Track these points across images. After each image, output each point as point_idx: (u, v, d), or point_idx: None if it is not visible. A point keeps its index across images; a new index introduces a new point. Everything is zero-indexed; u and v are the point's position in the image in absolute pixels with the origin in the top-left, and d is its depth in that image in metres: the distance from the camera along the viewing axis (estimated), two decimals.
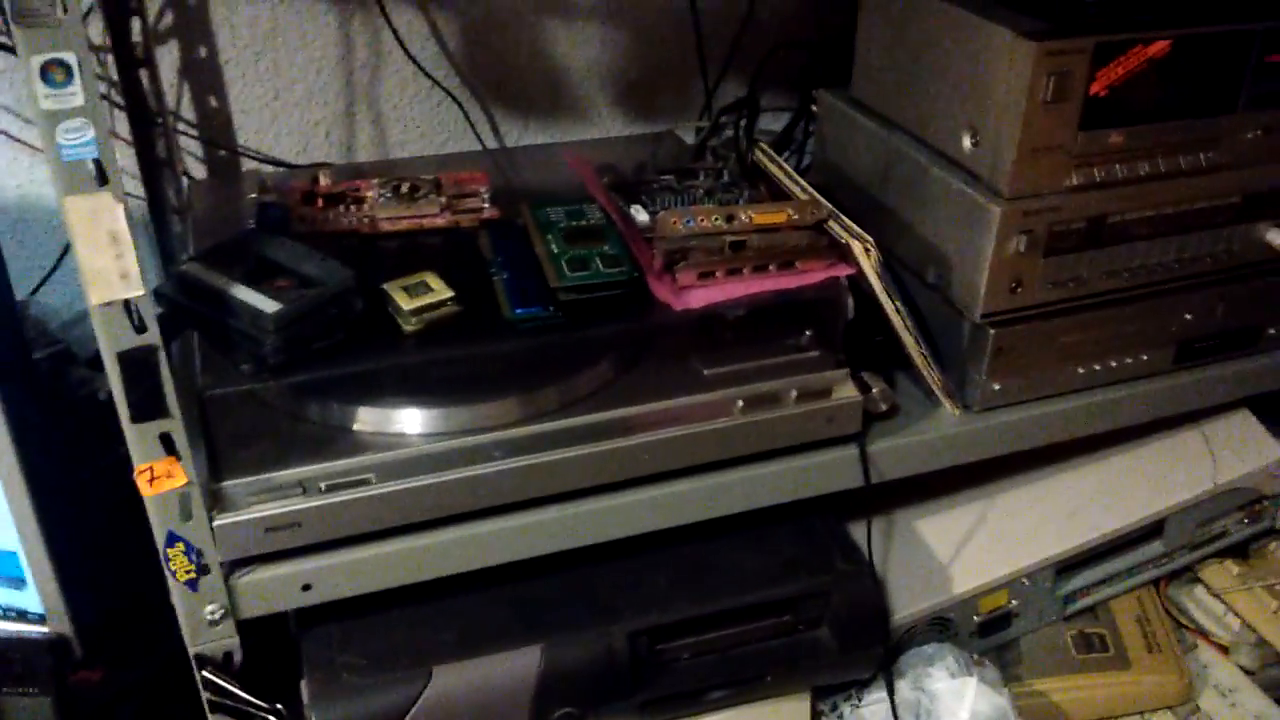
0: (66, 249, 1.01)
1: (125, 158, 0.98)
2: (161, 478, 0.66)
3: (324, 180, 0.89)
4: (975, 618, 0.96)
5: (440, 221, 0.87)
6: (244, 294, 0.71)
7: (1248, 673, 1.02)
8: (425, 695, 0.74)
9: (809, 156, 1.13)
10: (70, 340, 0.95)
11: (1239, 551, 1.08)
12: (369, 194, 0.89)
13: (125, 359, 0.62)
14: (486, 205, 0.89)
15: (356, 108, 1.07)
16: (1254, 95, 0.83)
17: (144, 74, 0.96)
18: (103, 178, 0.58)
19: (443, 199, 0.89)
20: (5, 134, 0.98)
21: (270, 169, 1.04)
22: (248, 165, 1.05)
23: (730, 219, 0.78)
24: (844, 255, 0.82)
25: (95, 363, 0.93)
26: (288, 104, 1.04)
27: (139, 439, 0.64)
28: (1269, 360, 0.97)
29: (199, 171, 1.05)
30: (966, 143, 0.82)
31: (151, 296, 0.63)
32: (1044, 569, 0.97)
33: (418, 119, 1.09)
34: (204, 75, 1.01)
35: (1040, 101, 0.76)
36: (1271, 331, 0.95)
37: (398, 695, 0.74)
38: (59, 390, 0.85)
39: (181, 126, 1.02)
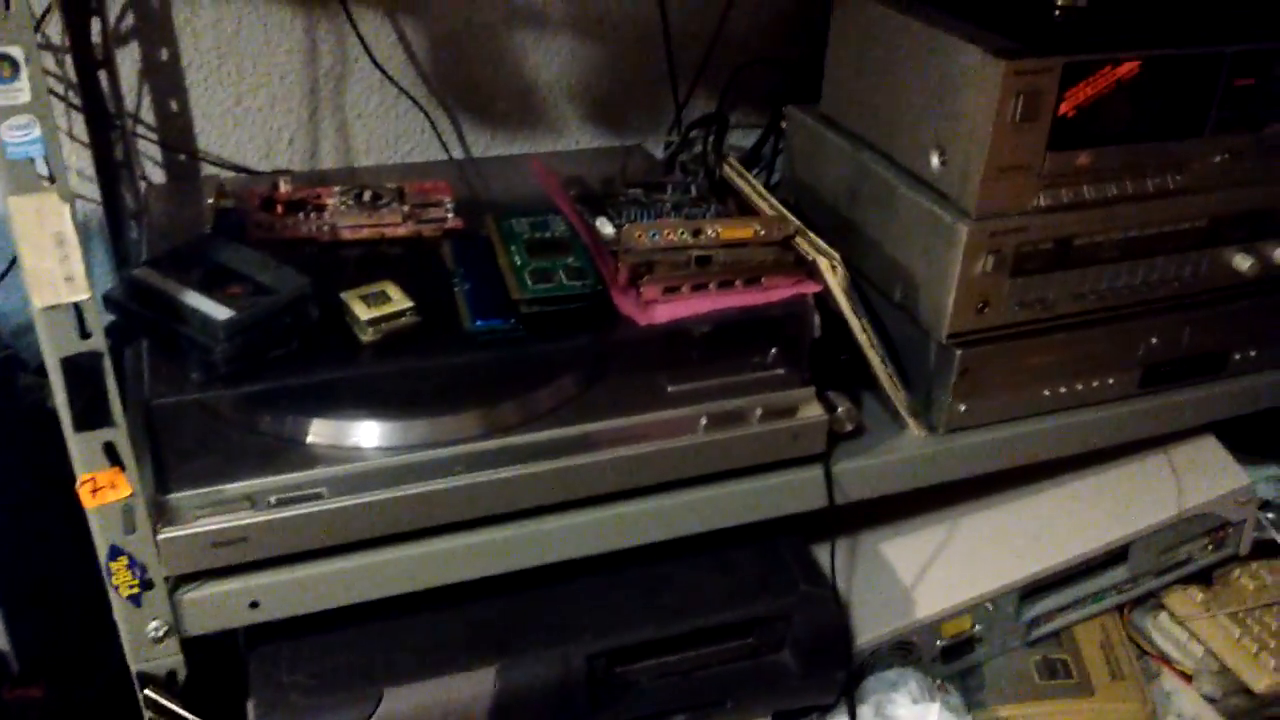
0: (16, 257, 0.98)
1: (82, 160, 0.96)
2: (105, 489, 0.64)
3: (284, 187, 0.87)
4: (938, 642, 0.95)
5: (402, 231, 0.86)
6: (195, 300, 0.69)
7: (1211, 700, 1.02)
8: (376, 717, 0.72)
9: (779, 174, 1.12)
10: (19, 347, 0.93)
11: (1203, 578, 1.08)
12: (330, 201, 0.87)
13: (69, 365, 0.60)
14: (450, 215, 0.87)
15: (321, 115, 1.05)
16: (1222, 119, 0.83)
17: (103, 75, 0.94)
18: (50, 177, 0.57)
19: (405, 208, 0.87)
20: None
21: (231, 175, 1.02)
22: (208, 171, 1.03)
23: (697, 233, 0.77)
24: (811, 272, 0.80)
25: (44, 370, 0.90)
26: (250, 109, 1.02)
27: (82, 448, 0.63)
28: (1235, 386, 0.97)
29: (158, 176, 1.03)
30: (935, 161, 0.81)
31: (100, 302, 0.61)
32: (1008, 594, 0.96)
33: (383, 127, 1.07)
34: (165, 78, 0.99)
35: (1009, 121, 0.76)
36: (1237, 357, 0.95)
37: (347, 717, 0.72)
38: (4, 397, 0.83)
39: (141, 130, 1.00)
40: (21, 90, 0.55)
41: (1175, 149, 0.83)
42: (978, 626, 0.96)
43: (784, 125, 1.04)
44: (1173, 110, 0.82)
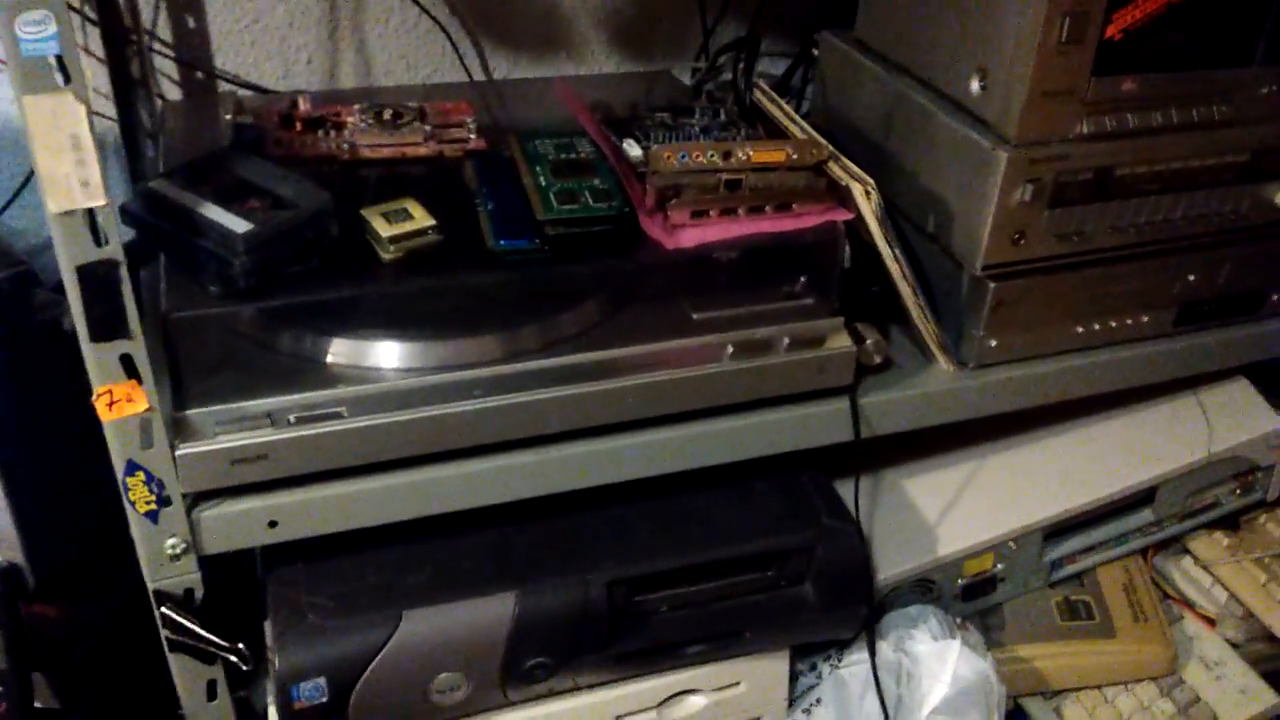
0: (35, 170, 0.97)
1: (99, 77, 0.94)
2: (121, 401, 0.63)
3: (303, 105, 0.85)
4: (959, 581, 0.94)
5: (423, 150, 0.84)
6: (214, 213, 0.67)
7: (1234, 646, 1.01)
8: (394, 639, 0.72)
9: (809, 103, 1.09)
10: (37, 267, 0.91)
11: (1229, 523, 1.07)
12: (349, 120, 0.85)
13: (85, 273, 0.59)
14: (472, 136, 0.85)
15: (340, 35, 1.02)
16: (1272, 48, 0.80)
17: None
18: (66, 76, 0.55)
19: (427, 128, 0.85)
20: None
21: (249, 94, 1.00)
22: (224, 89, 1.01)
23: (726, 156, 0.75)
24: (843, 200, 0.78)
25: (61, 288, 0.89)
26: (268, 28, 1.00)
27: (98, 360, 0.61)
28: (1270, 327, 0.95)
29: (174, 95, 1.01)
30: (974, 86, 0.79)
31: (117, 213, 0.60)
32: (1031, 533, 0.95)
33: (403, 48, 1.05)
34: None
35: (1053, 43, 0.73)
36: (1275, 298, 0.93)
37: (365, 638, 0.71)
38: (19, 312, 0.82)
39: (157, 46, 0.98)
40: None
41: (1222, 78, 0.81)
42: (999, 565, 0.95)
43: (816, 52, 1.01)
44: (1222, 37, 0.79)
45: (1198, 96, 0.80)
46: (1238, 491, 1.04)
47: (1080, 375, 0.89)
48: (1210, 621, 1.02)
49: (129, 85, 0.95)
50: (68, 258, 0.58)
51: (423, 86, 1.06)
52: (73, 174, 0.57)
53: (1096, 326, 0.88)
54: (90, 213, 0.58)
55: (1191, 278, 0.89)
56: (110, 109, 0.95)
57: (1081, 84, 0.76)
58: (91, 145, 0.56)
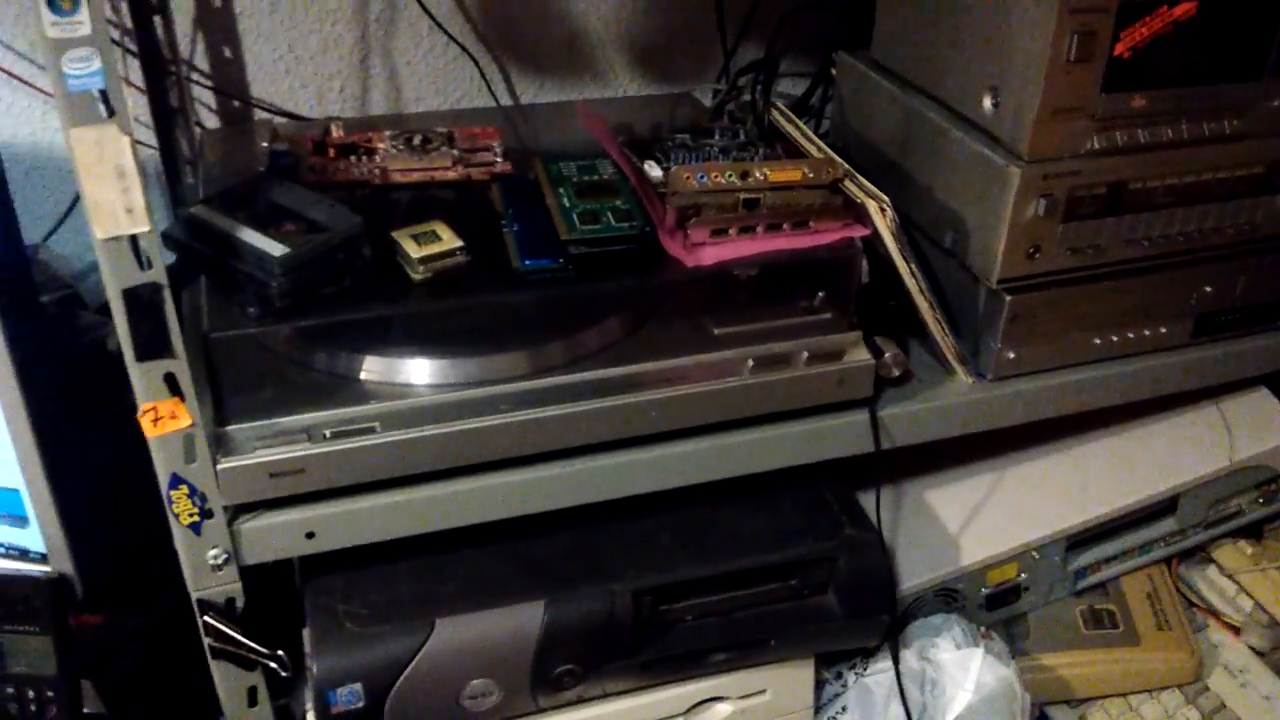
0: (78, 195, 1.01)
1: (138, 107, 0.98)
2: (165, 418, 0.65)
3: (336, 131, 0.89)
4: (983, 590, 0.95)
5: (452, 174, 0.87)
6: (251, 237, 0.70)
7: (1259, 654, 1.01)
8: (427, 647, 0.74)
9: (828, 122, 1.11)
10: (81, 289, 0.95)
11: (1253, 532, 1.07)
12: (380, 145, 0.88)
13: (130, 296, 0.62)
14: (499, 159, 0.88)
15: (371, 62, 1.06)
16: None
17: (158, 21, 0.95)
18: (110, 109, 0.58)
19: (455, 152, 0.88)
20: (19, 79, 0.98)
21: (283, 120, 1.04)
22: (260, 117, 1.05)
23: (744, 176, 0.77)
24: (859, 216, 0.80)
25: (105, 310, 0.93)
26: (302, 57, 1.04)
27: (143, 378, 0.64)
28: None
29: (212, 123, 1.04)
30: (987, 104, 0.81)
31: (159, 239, 0.63)
32: (1054, 542, 0.96)
33: (432, 75, 1.08)
34: (218, 25, 1.00)
35: (1063, 61, 0.75)
36: None
37: (400, 646, 0.74)
38: (65, 334, 0.85)
39: (195, 76, 1.02)
40: (82, 23, 0.56)
41: (1232, 92, 0.82)
42: (1023, 575, 0.96)
43: (834, 72, 1.03)
44: (1230, 53, 0.80)
45: (1208, 111, 0.82)
46: (1260, 501, 1.05)
47: (1098, 386, 0.90)
48: (1235, 630, 1.03)
49: (168, 114, 0.98)
50: (114, 281, 0.61)
51: (451, 112, 1.09)
52: (118, 201, 0.59)
53: (1114, 338, 0.89)
54: (134, 238, 0.60)
55: (1208, 289, 0.90)
56: (150, 137, 0.98)
57: (1092, 101, 0.77)
58: (135, 174, 0.59)
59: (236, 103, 1.04)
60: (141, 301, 0.62)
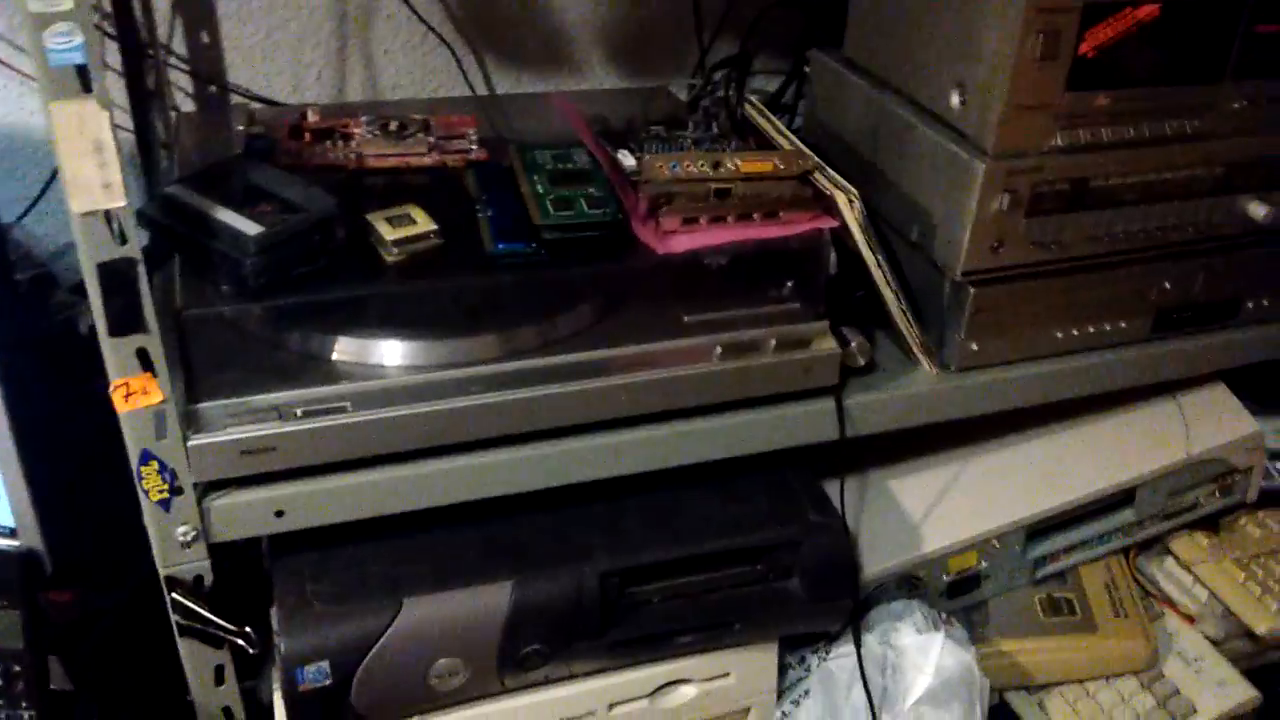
0: (54, 175, 1.01)
1: (116, 90, 0.98)
2: (137, 394, 0.66)
3: (312, 116, 0.89)
4: (944, 577, 0.97)
5: (427, 160, 0.87)
6: (227, 216, 0.71)
7: (1213, 642, 1.03)
8: (395, 626, 0.75)
9: (801, 119, 1.13)
10: (55, 269, 0.95)
11: (1209, 524, 1.09)
12: (356, 131, 0.89)
13: (105, 270, 0.62)
14: (474, 147, 0.89)
15: (349, 50, 1.06)
16: (1242, 64, 0.83)
17: (136, 4, 0.95)
18: (89, 84, 0.58)
19: (430, 139, 0.89)
20: None
21: (260, 106, 1.04)
22: (236, 102, 1.05)
23: (716, 166, 0.78)
24: (829, 208, 0.82)
25: (78, 290, 0.93)
26: (279, 43, 1.04)
27: (116, 353, 0.65)
28: (1246, 334, 0.97)
29: (188, 107, 1.05)
30: (954, 100, 0.82)
31: (134, 217, 0.63)
32: (1014, 532, 0.98)
33: (410, 64, 1.09)
34: (196, 9, 1.01)
35: (1029, 59, 0.76)
36: (1250, 305, 0.96)
37: (367, 625, 0.74)
38: (38, 313, 0.85)
39: (172, 60, 1.02)
40: None
41: (1194, 94, 0.84)
42: (984, 563, 0.98)
43: (807, 69, 1.04)
44: (1192, 54, 0.82)
45: (1170, 111, 0.84)
46: (1217, 493, 1.07)
47: (1060, 379, 0.92)
48: (1190, 619, 1.05)
49: (145, 97, 0.99)
50: (89, 255, 0.61)
51: (428, 100, 1.10)
52: (95, 176, 0.60)
53: (1075, 332, 0.91)
54: (110, 214, 0.61)
55: (1167, 285, 0.92)
56: (127, 120, 0.98)
57: (1056, 99, 0.79)
58: (113, 149, 0.60)
59: (213, 87, 1.05)
60: (116, 276, 0.62)
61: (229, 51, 1.04)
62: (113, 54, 0.96)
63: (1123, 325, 0.92)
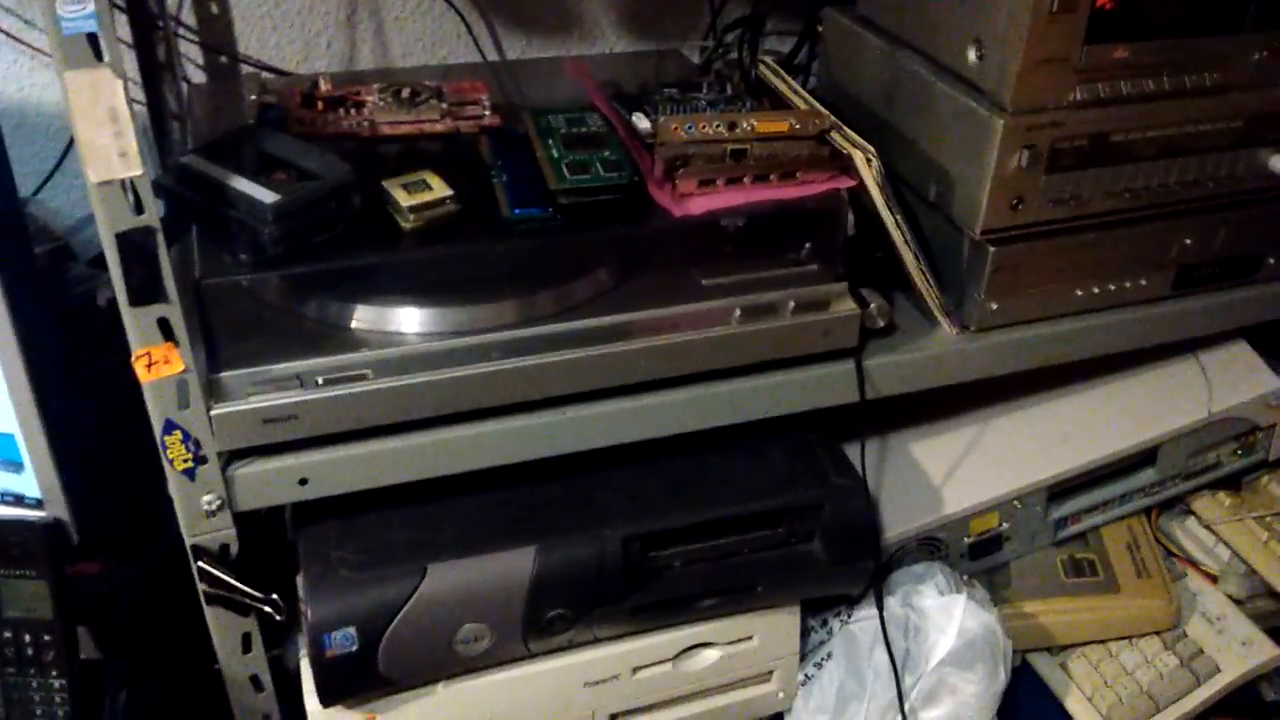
0: (67, 149, 1.01)
1: (126, 62, 0.97)
2: (159, 363, 0.66)
3: (324, 85, 0.89)
4: (966, 539, 0.97)
5: (440, 127, 0.87)
6: (243, 185, 0.70)
7: (1236, 601, 1.03)
8: (420, 592, 0.75)
9: (814, 80, 1.12)
10: (72, 242, 0.95)
11: (1231, 483, 1.09)
12: (369, 99, 0.88)
13: (124, 240, 0.62)
14: (487, 112, 0.88)
15: (358, 17, 1.06)
16: (1261, 15, 0.82)
17: None
18: (102, 53, 0.58)
19: (443, 105, 0.88)
20: (5, 33, 0.97)
21: (271, 76, 1.04)
22: (247, 72, 1.05)
23: (732, 127, 0.78)
24: (846, 168, 0.81)
25: (96, 263, 0.93)
26: (289, 12, 1.04)
27: (137, 323, 0.65)
28: (1268, 290, 0.97)
29: (198, 78, 1.04)
30: (971, 56, 0.81)
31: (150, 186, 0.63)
32: (1035, 492, 0.98)
33: (420, 31, 1.08)
34: None
35: (1046, 12, 0.75)
36: (1271, 261, 0.95)
37: (393, 591, 0.75)
38: (57, 286, 0.86)
39: (182, 32, 1.01)
40: None
41: (1213, 45, 0.83)
42: (1005, 524, 0.98)
43: (820, 29, 1.03)
44: (1211, 5, 0.81)
45: (1189, 64, 0.83)
46: (1239, 452, 1.06)
47: (1080, 337, 0.91)
48: (1213, 578, 1.05)
49: (155, 69, 0.98)
50: (108, 225, 0.61)
51: (439, 67, 1.09)
52: (111, 145, 0.60)
53: (1095, 290, 0.90)
54: (127, 183, 0.61)
55: (1188, 241, 0.91)
56: (138, 93, 0.98)
57: (1074, 52, 0.78)
58: (128, 118, 0.60)
59: (224, 58, 1.04)
60: (135, 246, 0.62)
61: (238, 22, 1.03)
62: (123, 27, 0.96)
63: (1143, 283, 0.91)
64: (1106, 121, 0.82)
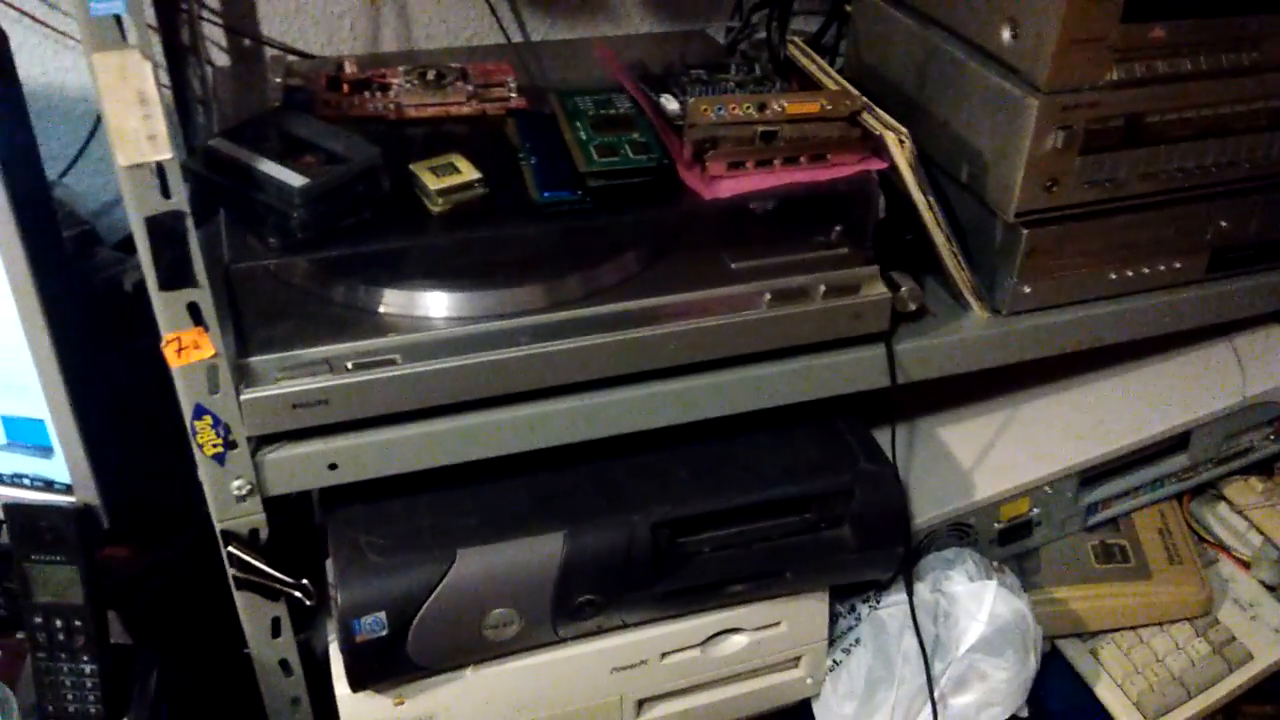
0: (92, 133, 1.01)
1: (151, 46, 0.97)
2: (189, 348, 0.66)
3: (349, 67, 0.88)
4: (996, 525, 0.96)
5: (467, 109, 0.86)
6: (271, 169, 0.70)
7: (1268, 588, 1.02)
8: (449, 577, 0.75)
9: (842, 60, 1.11)
10: (98, 226, 0.95)
11: (1264, 468, 1.08)
12: (395, 81, 0.88)
13: (153, 224, 0.62)
14: (513, 95, 0.88)
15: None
16: None
17: None
18: (129, 35, 0.57)
19: (469, 87, 0.88)
20: (32, 17, 0.97)
21: (295, 58, 1.03)
22: (271, 55, 1.04)
23: (762, 108, 0.77)
24: (877, 150, 0.80)
25: (123, 246, 0.93)
26: None
27: (167, 308, 0.64)
28: None
29: (222, 61, 1.04)
30: (1006, 35, 0.80)
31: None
32: (1067, 478, 0.97)
33: (442, 12, 1.07)
34: None
35: None
36: None
37: (422, 575, 0.75)
38: (84, 270, 0.85)
39: (206, 15, 1.01)
40: None
41: (1250, 24, 0.81)
42: (1035, 510, 0.97)
43: (849, 8, 1.02)
44: None
45: (1226, 43, 0.81)
46: (1271, 437, 1.05)
47: (1113, 321, 0.90)
48: (1245, 564, 1.04)
49: (180, 53, 0.98)
50: (137, 209, 0.61)
51: (464, 49, 1.09)
52: (140, 129, 0.59)
53: (1129, 273, 0.89)
54: (156, 167, 0.60)
55: (1223, 224, 0.89)
56: (163, 77, 0.98)
57: (1111, 31, 0.77)
58: (157, 100, 0.59)
59: (247, 41, 1.04)
60: (164, 230, 0.62)
61: (261, 4, 1.03)
62: (147, 9, 0.95)
63: (1177, 266, 0.90)
64: (1142, 102, 0.80)
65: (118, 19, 0.57)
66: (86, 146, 1.01)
